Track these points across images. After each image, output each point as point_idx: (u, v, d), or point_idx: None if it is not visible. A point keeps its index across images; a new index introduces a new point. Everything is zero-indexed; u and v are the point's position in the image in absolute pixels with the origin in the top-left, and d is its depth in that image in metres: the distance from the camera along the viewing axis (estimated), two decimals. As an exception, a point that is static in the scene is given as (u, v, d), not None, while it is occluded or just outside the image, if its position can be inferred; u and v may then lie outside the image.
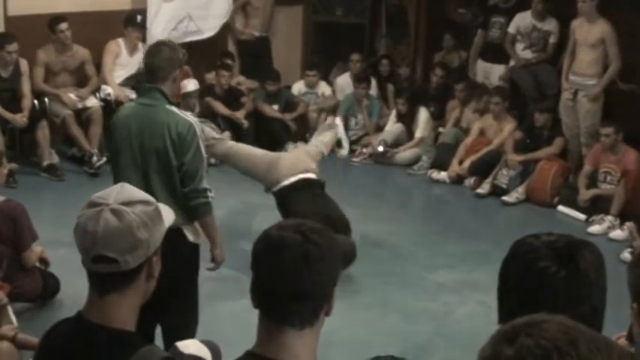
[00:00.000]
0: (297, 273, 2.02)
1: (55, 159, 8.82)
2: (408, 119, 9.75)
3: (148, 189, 4.21)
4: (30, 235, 5.63)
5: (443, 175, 9.14)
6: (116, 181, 4.49)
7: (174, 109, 4.56)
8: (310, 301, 2.06)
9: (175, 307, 4.54)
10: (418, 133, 9.74)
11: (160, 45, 4.71)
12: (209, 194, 4.55)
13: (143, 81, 4.77)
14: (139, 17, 9.36)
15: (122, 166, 4.57)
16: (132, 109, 4.67)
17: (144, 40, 9.27)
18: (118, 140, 4.60)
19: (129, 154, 4.55)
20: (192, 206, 4.51)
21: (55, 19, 8.84)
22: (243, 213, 7.99)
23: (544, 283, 1.95)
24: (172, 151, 4.45)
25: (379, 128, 10.17)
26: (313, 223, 2.13)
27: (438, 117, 9.98)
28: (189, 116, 4.63)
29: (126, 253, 2.12)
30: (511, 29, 9.53)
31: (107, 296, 2.17)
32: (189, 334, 4.55)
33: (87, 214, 2.15)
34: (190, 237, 4.56)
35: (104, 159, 8.61)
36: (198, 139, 4.49)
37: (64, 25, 8.83)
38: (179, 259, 4.14)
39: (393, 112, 9.97)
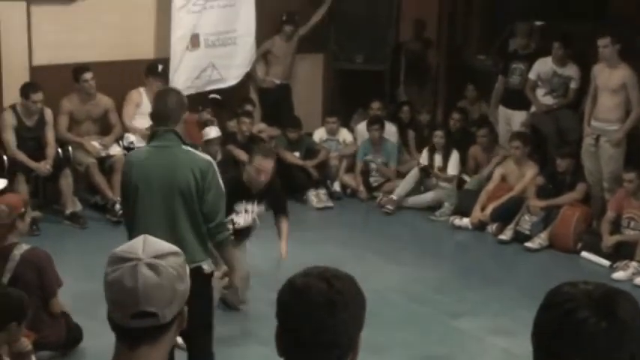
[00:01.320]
0: (323, 321, 2.02)
1: (78, 207, 8.88)
2: (445, 151, 9.77)
3: (173, 230, 4.53)
4: (56, 282, 5.66)
5: (465, 221, 9.11)
6: (134, 225, 4.68)
7: (189, 148, 4.74)
8: (337, 349, 2.05)
9: (199, 334, 4.82)
10: (451, 171, 9.72)
11: (167, 90, 5.06)
12: (229, 226, 4.85)
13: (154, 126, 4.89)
14: (160, 67, 9.46)
15: (141, 210, 4.67)
16: (148, 153, 4.78)
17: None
18: (135, 183, 4.70)
19: (148, 197, 4.65)
20: (218, 240, 4.77)
21: (79, 69, 8.95)
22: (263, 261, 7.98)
23: (584, 334, 1.90)
24: (195, 189, 4.59)
25: (400, 175, 10.17)
26: (337, 269, 2.13)
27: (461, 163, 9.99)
28: (206, 155, 4.89)
29: (165, 307, 2.10)
30: (532, 75, 9.55)
31: (138, 349, 2.13)
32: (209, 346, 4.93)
33: (120, 270, 2.09)
34: (207, 268, 4.76)
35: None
36: (218, 176, 4.70)
37: (88, 75, 8.94)
38: (198, 294, 4.20)
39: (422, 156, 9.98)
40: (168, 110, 4.70)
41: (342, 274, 2.11)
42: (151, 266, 2.09)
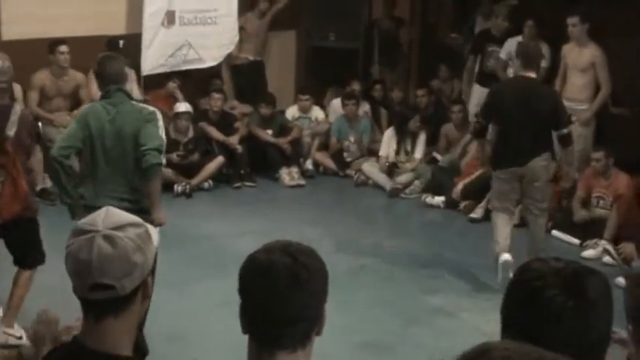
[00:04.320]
0: (289, 296, 2.03)
1: (48, 183, 8.81)
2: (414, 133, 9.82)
3: (126, 178, 5.25)
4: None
5: (437, 199, 9.14)
6: (90, 174, 5.29)
7: (135, 102, 5.51)
8: (302, 323, 2.06)
9: None
10: (418, 154, 9.77)
11: (113, 56, 5.68)
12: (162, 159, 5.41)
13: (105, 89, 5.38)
14: (121, 42, 9.35)
15: (96, 160, 5.26)
16: (103, 108, 5.31)
17: (134, 65, 9.29)
18: (91, 136, 5.26)
19: (101, 148, 5.29)
20: (148, 164, 5.17)
21: (55, 41, 8.91)
22: (232, 237, 7.99)
23: (551, 312, 1.88)
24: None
25: (372, 152, 10.19)
26: (299, 243, 2.13)
27: (432, 142, 10.02)
28: (151, 107, 5.67)
29: (122, 279, 2.10)
30: (502, 55, 9.57)
31: (103, 321, 2.14)
32: None
33: (78, 243, 2.11)
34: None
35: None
36: (160, 124, 5.45)
37: (64, 48, 8.90)
38: None
39: (385, 137, 9.97)
40: (119, 72, 5.41)
41: (304, 248, 2.11)
42: (107, 238, 2.09)
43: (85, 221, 2.16)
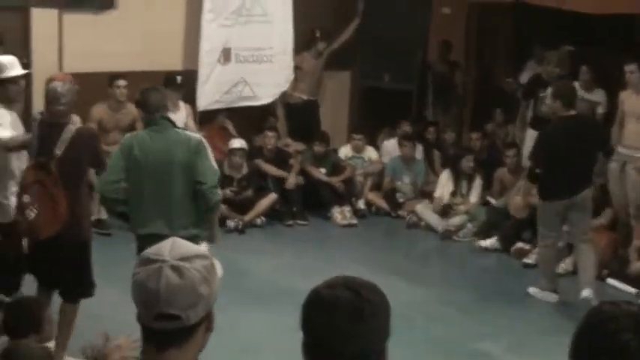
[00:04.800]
0: (352, 332, 2.01)
1: (104, 214, 8.90)
2: (470, 176, 9.78)
3: (171, 205, 5.37)
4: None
5: (489, 242, 9.02)
6: (135, 201, 5.40)
7: (180, 129, 5.65)
8: (366, 358, 2.04)
9: None
10: (473, 198, 9.69)
11: (154, 87, 5.81)
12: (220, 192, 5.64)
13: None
14: (178, 78, 9.45)
15: (141, 188, 5.39)
16: (148, 136, 5.47)
17: (186, 100, 9.39)
18: (137, 163, 5.44)
19: (148, 175, 5.41)
20: (210, 202, 5.45)
21: (114, 76, 9.08)
22: (283, 274, 7.99)
23: (627, 355, 1.84)
24: (189, 163, 5.35)
25: (425, 194, 10.15)
26: (361, 279, 2.12)
27: (486, 186, 9.94)
28: (197, 134, 5.98)
29: (188, 309, 2.09)
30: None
31: (166, 351, 2.13)
32: None
33: (145, 272, 2.11)
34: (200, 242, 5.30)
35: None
36: (209, 151, 5.54)
37: (121, 82, 9.06)
38: None
39: (441, 179, 9.92)
40: (163, 100, 5.55)
41: (367, 283, 2.10)
42: (174, 268, 2.09)
43: (151, 251, 2.16)
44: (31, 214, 5.57)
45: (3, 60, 6.29)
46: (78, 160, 5.68)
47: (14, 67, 6.21)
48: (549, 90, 7.90)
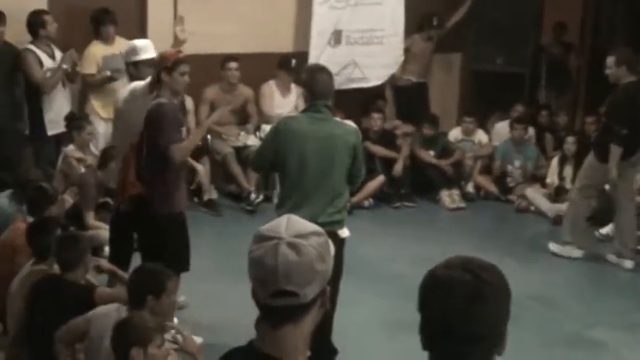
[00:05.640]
0: (471, 313, 1.99)
1: (215, 195, 9.06)
2: (577, 160, 9.48)
3: (327, 194, 5.31)
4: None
5: (607, 229, 8.77)
6: (289, 185, 5.33)
7: (339, 119, 5.62)
8: (485, 342, 2.02)
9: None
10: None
11: (326, 69, 5.54)
12: None
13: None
14: (293, 61, 9.52)
15: (300, 176, 5.28)
16: (309, 122, 5.32)
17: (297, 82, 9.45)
18: (296, 149, 5.28)
19: (305, 164, 5.27)
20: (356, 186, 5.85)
21: (226, 58, 9.20)
22: (389, 258, 7.97)
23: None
24: (349, 154, 5.30)
25: (536, 178, 9.98)
26: (480, 259, 2.09)
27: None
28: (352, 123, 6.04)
29: (305, 286, 2.10)
30: None
31: (282, 328, 2.15)
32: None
33: (262, 249, 2.12)
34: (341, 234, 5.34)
35: (261, 197, 8.84)
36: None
37: (233, 65, 9.17)
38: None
39: (553, 163, 9.74)
40: (330, 87, 5.40)
41: (486, 264, 2.07)
42: (291, 245, 2.10)
43: (267, 228, 2.17)
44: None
45: (137, 43, 6.43)
46: (150, 137, 5.69)
47: (148, 50, 6.31)
48: (611, 58, 7.86)
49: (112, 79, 8.32)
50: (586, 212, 8.20)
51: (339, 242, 5.13)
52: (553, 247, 8.24)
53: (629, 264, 7.91)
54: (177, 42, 6.38)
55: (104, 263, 5.68)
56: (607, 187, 9.38)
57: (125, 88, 6.38)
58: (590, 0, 11.57)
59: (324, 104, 5.31)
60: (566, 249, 8.12)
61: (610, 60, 7.87)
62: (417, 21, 10.40)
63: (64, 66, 8.06)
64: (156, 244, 5.72)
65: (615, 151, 7.76)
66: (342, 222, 5.38)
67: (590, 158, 8.04)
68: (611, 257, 8.06)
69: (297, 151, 5.23)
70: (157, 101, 5.67)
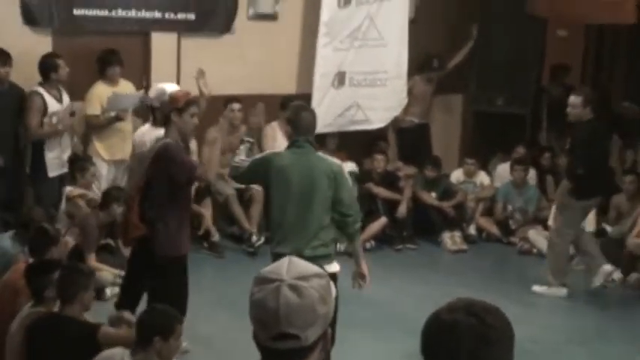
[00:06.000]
0: (478, 358, 1.97)
1: (216, 236, 9.04)
2: None
3: (307, 227, 5.37)
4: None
5: (605, 269, 8.73)
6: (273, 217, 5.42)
7: (321, 154, 5.67)
8: None
9: None
10: (588, 227, 9.44)
11: (307, 106, 5.87)
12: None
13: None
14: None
15: (283, 208, 5.37)
16: (291, 157, 5.46)
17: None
18: (279, 182, 5.42)
19: (287, 197, 5.39)
20: (352, 229, 5.62)
21: (229, 99, 9.19)
22: (391, 299, 7.94)
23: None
24: (329, 189, 5.37)
25: (538, 220, 9.96)
26: (483, 302, 2.08)
27: (602, 212, 9.69)
28: (336, 159, 5.95)
29: (307, 329, 2.09)
30: None
31: None
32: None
33: (264, 291, 2.11)
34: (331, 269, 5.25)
35: (262, 239, 8.82)
36: (347, 176, 5.68)
37: (236, 106, 9.17)
38: None
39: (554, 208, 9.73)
40: (313, 124, 5.58)
41: (489, 307, 2.06)
42: (293, 287, 2.09)
43: (269, 270, 2.16)
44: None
45: (165, 86, 6.46)
46: (159, 178, 5.77)
47: None
48: (578, 97, 8.05)
49: (118, 118, 8.36)
50: (567, 252, 8.39)
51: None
52: (538, 288, 8.31)
53: (561, 292, 8.24)
54: (202, 95, 6.71)
55: (127, 315, 5.52)
56: (607, 228, 9.41)
57: (146, 132, 6.44)
58: (591, 43, 11.63)
59: (306, 139, 5.48)
60: (552, 290, 8.25)
61: (577, 99, 8.01)
62: (418, 61, 10.45)
63: (60, 127, 8.12)
64: (157, 286, 5.71)
65: (564, 184, 8.11)
66: (329, 256, 5.40)
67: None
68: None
69: (281, 186, 5.40)
70: (164, 141, 5.72)
